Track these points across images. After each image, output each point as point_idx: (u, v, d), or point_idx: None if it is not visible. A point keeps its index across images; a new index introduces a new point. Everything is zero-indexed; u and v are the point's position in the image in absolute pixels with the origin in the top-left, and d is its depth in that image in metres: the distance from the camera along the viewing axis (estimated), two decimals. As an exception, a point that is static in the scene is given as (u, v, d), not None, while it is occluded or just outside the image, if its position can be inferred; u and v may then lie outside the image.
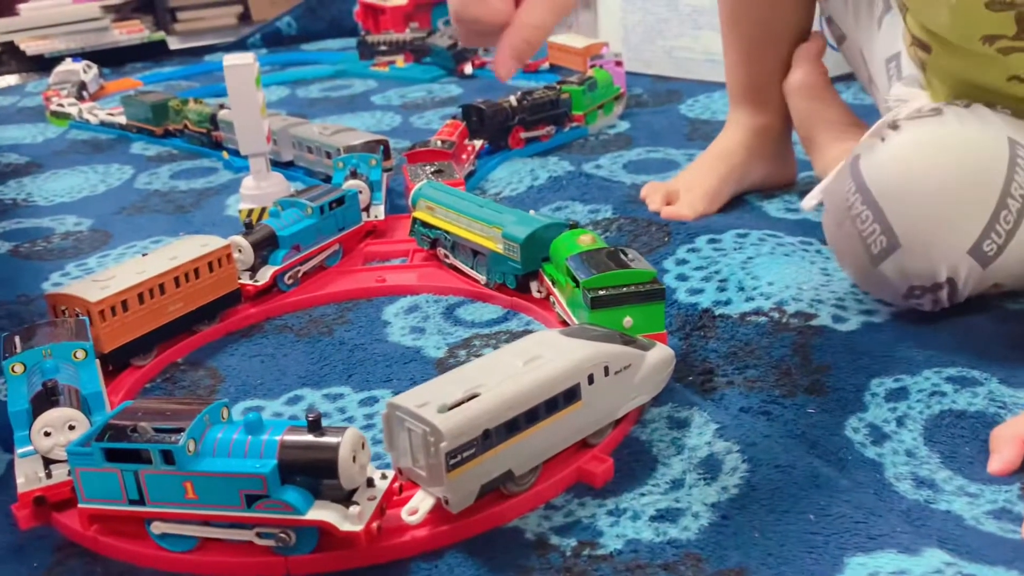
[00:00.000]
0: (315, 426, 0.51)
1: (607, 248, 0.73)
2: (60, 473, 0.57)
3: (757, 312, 0.77)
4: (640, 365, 0.60)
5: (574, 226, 0.81)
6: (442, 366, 0.75)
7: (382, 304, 0.87)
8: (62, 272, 1.01)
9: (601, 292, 0.67)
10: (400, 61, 1.93)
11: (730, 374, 0.70)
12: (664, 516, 0.55)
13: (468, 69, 1.82)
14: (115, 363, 0.74)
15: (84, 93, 1.82)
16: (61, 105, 1.72)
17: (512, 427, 0.53)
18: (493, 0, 0.48)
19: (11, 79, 2.25)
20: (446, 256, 0.91)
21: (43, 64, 2.25)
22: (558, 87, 1.34)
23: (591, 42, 1.63)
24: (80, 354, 0.64)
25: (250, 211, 1.08)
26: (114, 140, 1.57)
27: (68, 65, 1.89)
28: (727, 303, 0.79)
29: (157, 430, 0.51)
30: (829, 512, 0.54)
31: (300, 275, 0.90)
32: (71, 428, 0.57)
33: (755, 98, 1.04)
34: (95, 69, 1.93)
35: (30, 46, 2.33)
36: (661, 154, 1.24)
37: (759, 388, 0.67)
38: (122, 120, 1.59)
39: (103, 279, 0.75)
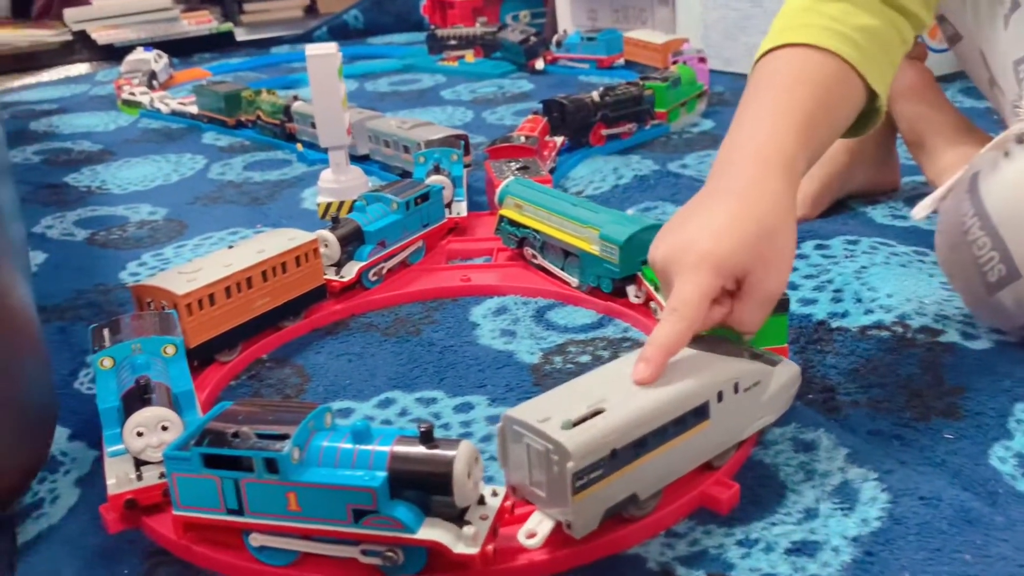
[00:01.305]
0: (427, 438, 0.47)
1: (720, 253, 0.68)
2: (151, 475, 0.54)
3: (878, 326, 0.71)
4: (768, 382, 0.56)
5: (679, 228, 0.76)
6: (538, 372, 0.71)
7: (469, 304, 0.83)
8: (139, 262, 0.99)
9: (719, 301, 0.62)
10: (470, 56, 1.90)
11: (853, 393, 0.64)
12: (800, 549, 0.50)
13: (539, 65, 1.78)
14: (200, 358, 0.71)
15: (154, 82, 1.82)
16: (132, 94, 1.71)
17: (639, 447, 0.49)
18: None
19: (83, 68, 2.27)
20: (534, 256, 0.87)
21: (114, 53, 2.26)
22: (641, 83, 1.29)
23: (671, 38, 1.58)
24: (170, 349, 0.61)
25: (328, 204, 1.05)
26: (185, 130, 1.56)
27: (139, 54, 1.89)
28: (844, 315, 0.74)
29: (260, 436, 0.48)
30: (988, 553, 0.48)
31: (384, 272, 0.87)
32: (164, 428, 0.54)
33: None
34: (165, 59, 1.93)
35: (101, 35, 2.35)
36: (751, 155, 1.18)
37: (887, 409, 0.62)
38: (193, 110, 1.57)
39: (189, 271, 0.72)
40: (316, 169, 1.27)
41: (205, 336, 0.71)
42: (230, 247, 0.78)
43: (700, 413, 0.52)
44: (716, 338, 0.57)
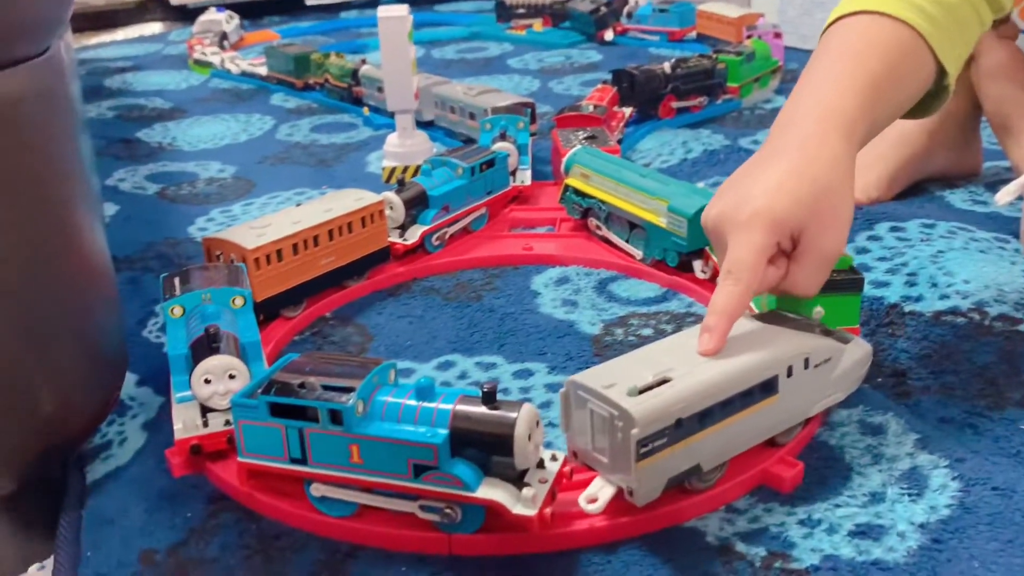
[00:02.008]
0: (490, 398, 0.47)
1: (793, 229, 0.67)
2: (217, 422, 0.55)
3: (954, 312, 0.69)
4: (839, 360, 0.54)
5: (750, 203, 0.74)
6: (598, 343, 0.70)
7: (530, 273, 0.83)
8: (207, 217, 1.01)
9: (791, 277, 0.60)
10: (538, 25, 1.88)
11: (925, 378, 0.63)
12: (865, 532, 0.49)
13: (609, 35, 1.76)
14: (266, 312, 0.72)
15: (225, 43, 1.84)
16: (204, 54, 1.73)
17: (705, 418, 0.48)
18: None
19: (156, 27, 2.31)
20: (598, 227, 0.86)
21: (186, 14, 2.29)
22: (714, 56, 1.26)
23: (745, 12, 1.54)
24: (239, 301, 0.62)
25: (393, 168, 1.06)
26: (254, 90, 1.57)
27: (211, 15, 1.91)
28: (918, 299, 0.71)
29: (325, 387, 0.48)
30: (1064, 548, 0.47)
31: (447, 237, 0.87)
32: (231, 377, 0.55)
33: None
34: (237, 20, 1.95)
35: (174, -4, 2.38)
36: (824, 134, 1.15)
37: (960, 397, 0.60)
38: (262, 71, 1.59)
39: (259, 226, 0.73)
40: (381, 134, 1.28)
41: (272, 291, 0.72)
42: (298, 205, 0.79)
43: (768, 387, 0.50)
44: (787, 314, 0.56)
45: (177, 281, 0.64)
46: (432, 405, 0.48)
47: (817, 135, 0.55)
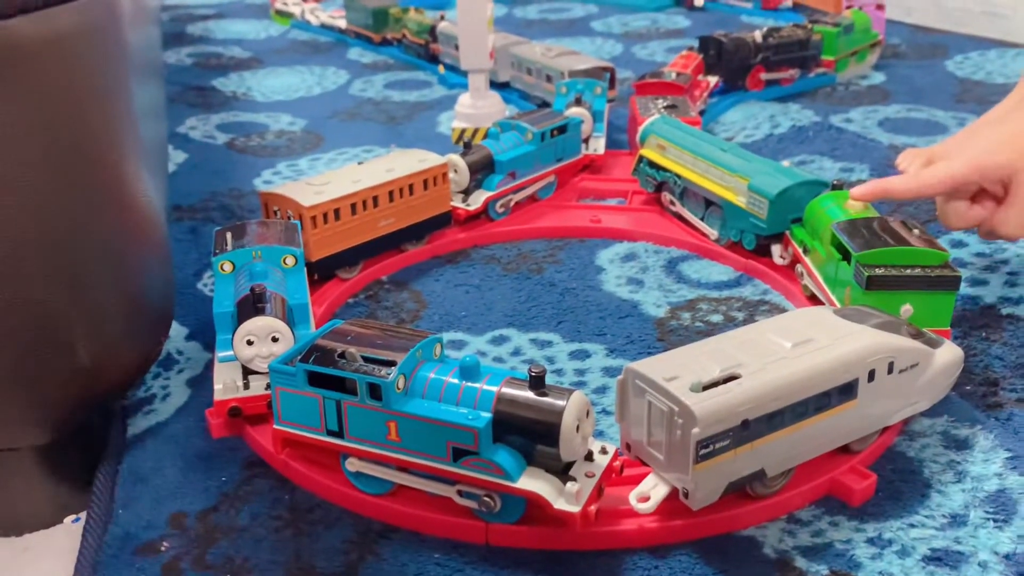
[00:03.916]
0: (538, 383, 0.44)
1: (882, 217, 0.61)
2: (258, 385, 0.54)
3: (1058, 318, 0.63)
4: (928, 365, 0.49)
5: (838, 186, 0.69)
6: (663, 327, 0.66)
7: (596, 247, 0.79)
8: (273, 170, 0.99)
9: (879, 270, 0.55)
10: (626, -14, 1.81)
11: (1020, 390, 0.57)
12: (941, 559, 0.44)
13: (699, 1, 1.68)
14: (321, 273, 0.70)
15: (308, -7, 1.82)
16: (285, 4, 1.72)
17: (774, 420, 0.44)
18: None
19: (241, -24, 2.30)
20: (672, 203, 0.82)
21: (272, -37, 2.28)
22: (809, 26, 1.19)
23: (847, -19, 1.45)
24: (290, 260, 0.60)
25: (463, 130, 1.02)
26: (332, 43, 1.55)
27: (295, -36, 1.89)
28: (1018, 302, 0.65)
29: (366, 360, 0.46)
30: None
31: (512, 204, 0.83)
32: (275, 340, 0.53)
33: None
34: (320, -30, 1.93)
35: (261, -55, 2.37)
36: (925, 114, 1.08)
37: (1060, 413, 0.55)
38: (342, 24, 1.57)
39: (318, 183, 0.71)
40: (455, 93, 1.24)
41: (327, 251, 0.70)
42: (360, 163, 0.76)
43: (847, 391, 0.46)
44: (872, 311, 0.51)
45: (229, 236, 0.62)
46: (476, 385, 0.45)
47: None
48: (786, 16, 1.55)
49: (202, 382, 0.61)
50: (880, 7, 1.29)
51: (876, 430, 0.49)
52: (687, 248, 0.78)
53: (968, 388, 0.57)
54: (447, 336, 0.66)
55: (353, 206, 0.71)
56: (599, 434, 0.54)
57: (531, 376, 0.44)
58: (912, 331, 0.50)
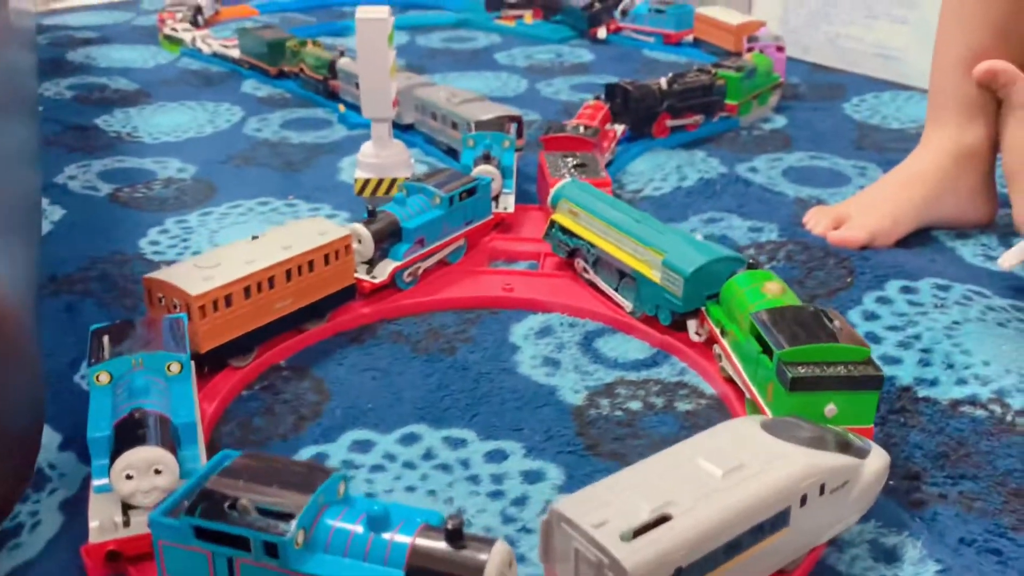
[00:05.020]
0: (456, 536, 0.40)
1: (804, 307, 0.60)
2: (140, 521, 0.48)
3: (972, 402, 0.63)
4: (858, 480, 0.48)
5: (754, 265, 0.68)
6: (581, 418, 0.63)
7: (509, 320, 0.76)
8: (160, 228, 0.92)
9: (802, 370, 0.54)
10: (528, 16, 1.79)
11: (941, 483, 0.56)
12: None
13: (601, 33, 1.67)
14: (211, 364, 0.65)
15: (199, 18, 1.73)
16: (175, 29, 1.63)
17: (708, 563, 0.41)
18: None
19: (127, -8, 2.18)
20: (585, 271, 0.79)
21: (159, -20, 2.17)
22: (713, 71, 1.19)
23: (747, 19, 1.47)
24: (175, 367, 0.55)
25: (366, 181, 0.97)
26: (225, 74, 1.48)
27: (185, -16, 1.80)
28: (933, 383, 0.65)
29: (261, 511, 0.41)
30: None
31: (420, 272, 0.79)
32: (157, 472, 0.47)
33: (965, 115, 0.88)
34: (213, -9, 1.84)
35: (148, -40, 2.25)
36: (827, 162, 1.09)
37: (980, 511, 0.54)
38: (235, 53, 1.49)
39: (207, 266, 0.65)
40: (357, 134, 1.20)
41: (218, 340, 0.64)
42: (254, 237, 0.71)
43: (780, 520, 0.44)
44: (797, 421, 0.49)
45: (107, 338, 0.56)
46: (387, 537, 0.41)
47: None
48: (688, 52, 1.56)
49: (78, 504, 0.54)
50: (780, 48, 1.31)
51: (808, 550, 0.47)
52: (603, 320, 0.76)
53: (892, 483, 0.56)
54: (353, 434, 0.62)
55: (247, 289, 0.65)
56: (520, 559, 0.50)
57: (448, 530, 0.40)
58: (840, 441, 0.48)
